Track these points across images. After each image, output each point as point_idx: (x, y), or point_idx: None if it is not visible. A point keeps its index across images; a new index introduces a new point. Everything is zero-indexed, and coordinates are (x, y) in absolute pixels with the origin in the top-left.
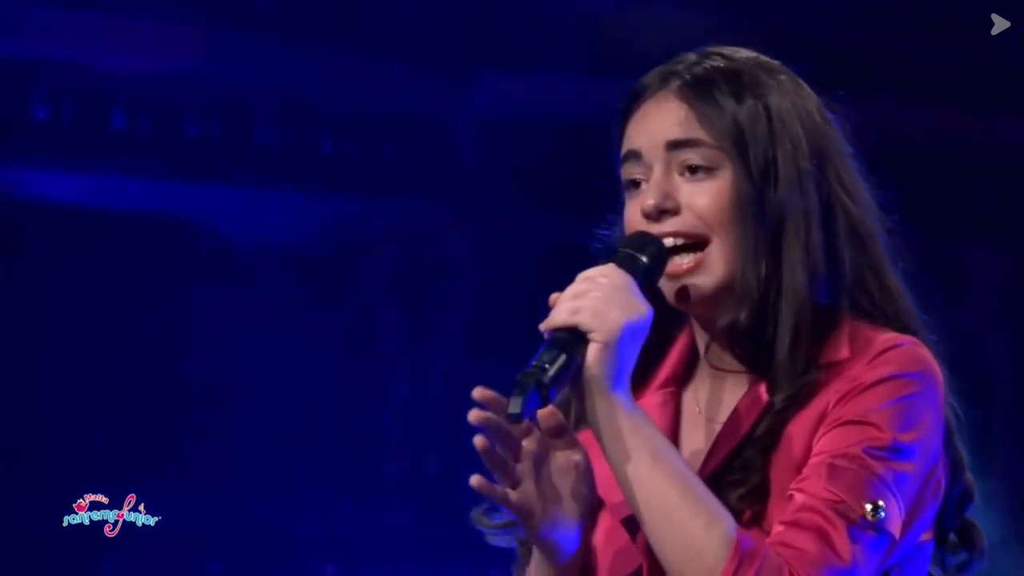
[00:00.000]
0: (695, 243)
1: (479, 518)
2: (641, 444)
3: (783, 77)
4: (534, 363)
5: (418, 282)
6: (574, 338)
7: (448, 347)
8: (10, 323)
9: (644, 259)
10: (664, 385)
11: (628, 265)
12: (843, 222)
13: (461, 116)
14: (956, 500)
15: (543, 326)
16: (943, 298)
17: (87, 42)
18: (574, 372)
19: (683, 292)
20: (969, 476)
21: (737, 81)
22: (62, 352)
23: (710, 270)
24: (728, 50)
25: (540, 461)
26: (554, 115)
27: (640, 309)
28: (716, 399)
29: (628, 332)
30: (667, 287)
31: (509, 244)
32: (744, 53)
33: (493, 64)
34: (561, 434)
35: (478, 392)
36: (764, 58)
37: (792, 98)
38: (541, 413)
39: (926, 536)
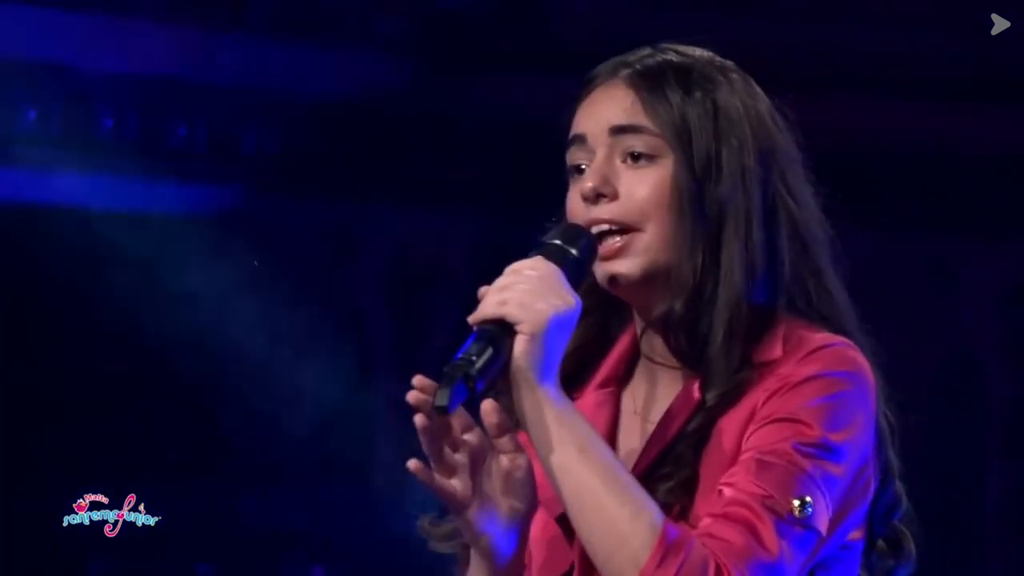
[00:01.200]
0: (627, 229)
1: (424, 525)
2: (568, 435)
3: (735, 76)
4: (461, 356)
5: (408, 283)
6: (501, 330)
7: (439, 348)
8: (9, 323)
9: (574, 251)
10: (603, 385)
11: (557, 257)
12: (785, 223)
13: (458, 117)
14: (885, 508)
15: (471, 319)
16: (939, 297)
17: (78, 44)
18: (502, 365)
19: (612, 278)
20: (899, 484)
21: (687, 75)
22: (62, 352)
23: (637, 255)
24: (683, 47)
25: (479, 456)
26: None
27: (568, 300)
28: (652, 398)
29: (555, 324)
30: (599, 271)
31: (501, 245)
32: (699, 51)
33: (489, 65)
34: (504, 433)
35: (417, 380)
36: (719, 58)
37: (742, 97)
38: (483, 408)
39: (855, 535)
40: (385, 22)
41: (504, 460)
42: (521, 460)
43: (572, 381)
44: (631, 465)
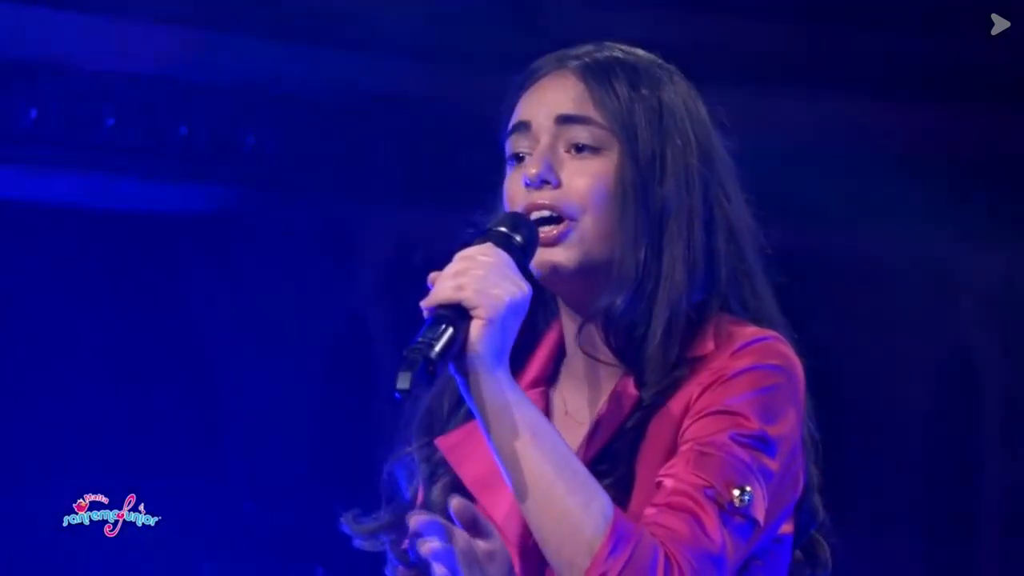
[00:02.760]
0: (564, 218)
1: (349, 521)
2: (522, 421)
3: (678, 79)
4: (420, 339)
5: (408, 283)
6: (457, 315)
7: None
8: (8, 323)
9: (518, 238)
10: (533, 384)
11: (504, 244)
12: (723, 226)
13: (458, 116)
14: (804, 518)
15: (424, 303)
16: (934, 300)
17: (78, 44)
18: (457, 349)
19: (550, 268)
20: (817, 497)
21: (634, 73)
22: (61, 351)
23: (572, 246)
24: (626, 47)
25: (469, 559)
26: None
27: (521, 286)
28: (584, 396)
29: (511, 309)
30: (536, 259)
31: None
32: (642, 52)
33: (488, 66)
34: (474, 526)
35: (414, 521)
36: (661, 60)
37: (685, 99)
38: (455, 508)
39: (785, 528)
40: (385, 22)
41: (483, 545)
42: (492, 545)
43: None
44: None
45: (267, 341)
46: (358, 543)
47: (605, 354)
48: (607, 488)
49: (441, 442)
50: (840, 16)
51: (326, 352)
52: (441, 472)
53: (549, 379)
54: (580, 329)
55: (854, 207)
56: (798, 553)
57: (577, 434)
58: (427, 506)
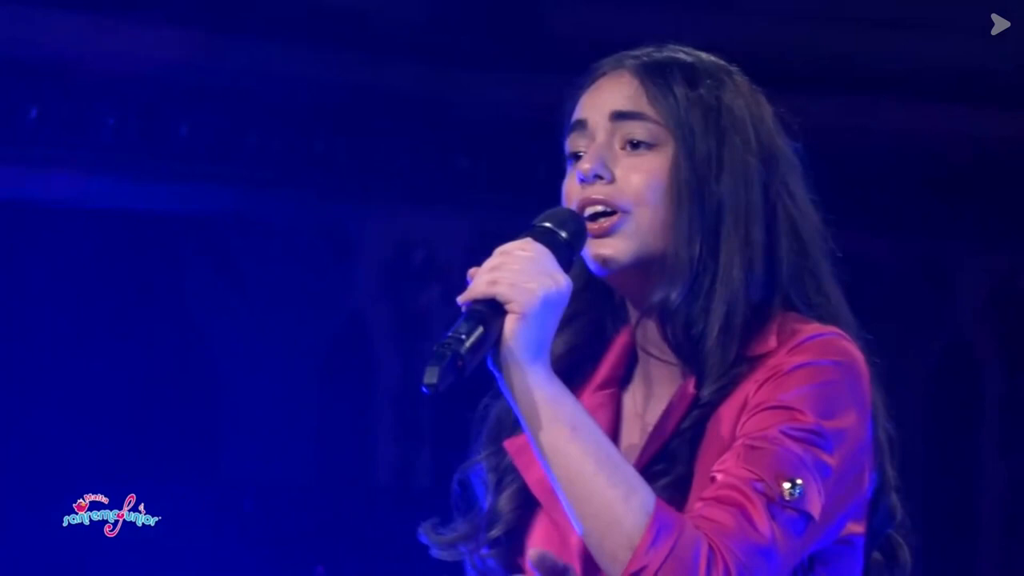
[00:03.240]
0: (618, 212)
1: (428, 531)
2: (559, 415)
3: (739, 79)
4: (451, 334)
5: (407, 282)
6: (491, 310)
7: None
8: (8, 323)
9: (564, 234)
10: (602, 387)
11: (547, 239)
12: (786, 225)
13: (456, 116)
14: (880, 519)
15: (461, 299)
16: (933, 300)
17: (78, 44)
18: (492, 344)
19: (603, 261)
20: (894, 497)
21: (692, 71)
22: (61, 351)
23: (627, 238)
24: (687, 48)
25: None
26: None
27: (558, 281)
28: (650, 396)
29: (545, 303)
30: (589, 251)
31: (500, 243)
32: (704, 54)
33: (486, 65)
34: (553, 572)
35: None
36: (724, 62)
37: (746, 99)
38: (533, 558)
39: (854, 528)
40: (386, 22)
41: None
42: None
43: (570, 383)
44: (631, 462)
45: (267, 341)
46: (435, 553)
47: (667, 353)
48: (664, 488)
49: (509, 444)
50: (839, 15)
51: (326, 352)
52: (508, 480)
53: (621, 381)
54: (637, 324)
55: (853, 207)
56: (877, 555)
57: (643, 434)
58: (494, 515)
